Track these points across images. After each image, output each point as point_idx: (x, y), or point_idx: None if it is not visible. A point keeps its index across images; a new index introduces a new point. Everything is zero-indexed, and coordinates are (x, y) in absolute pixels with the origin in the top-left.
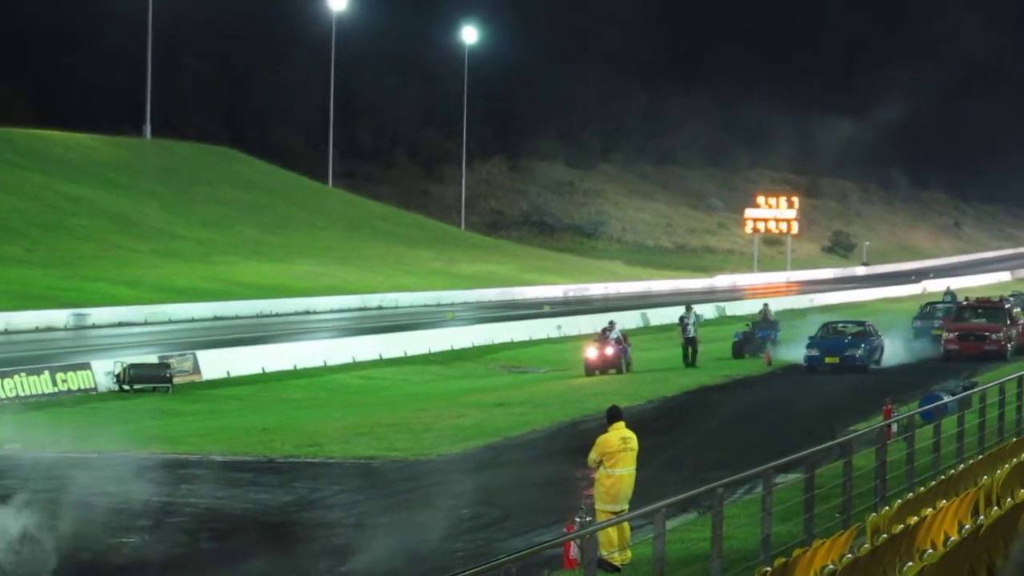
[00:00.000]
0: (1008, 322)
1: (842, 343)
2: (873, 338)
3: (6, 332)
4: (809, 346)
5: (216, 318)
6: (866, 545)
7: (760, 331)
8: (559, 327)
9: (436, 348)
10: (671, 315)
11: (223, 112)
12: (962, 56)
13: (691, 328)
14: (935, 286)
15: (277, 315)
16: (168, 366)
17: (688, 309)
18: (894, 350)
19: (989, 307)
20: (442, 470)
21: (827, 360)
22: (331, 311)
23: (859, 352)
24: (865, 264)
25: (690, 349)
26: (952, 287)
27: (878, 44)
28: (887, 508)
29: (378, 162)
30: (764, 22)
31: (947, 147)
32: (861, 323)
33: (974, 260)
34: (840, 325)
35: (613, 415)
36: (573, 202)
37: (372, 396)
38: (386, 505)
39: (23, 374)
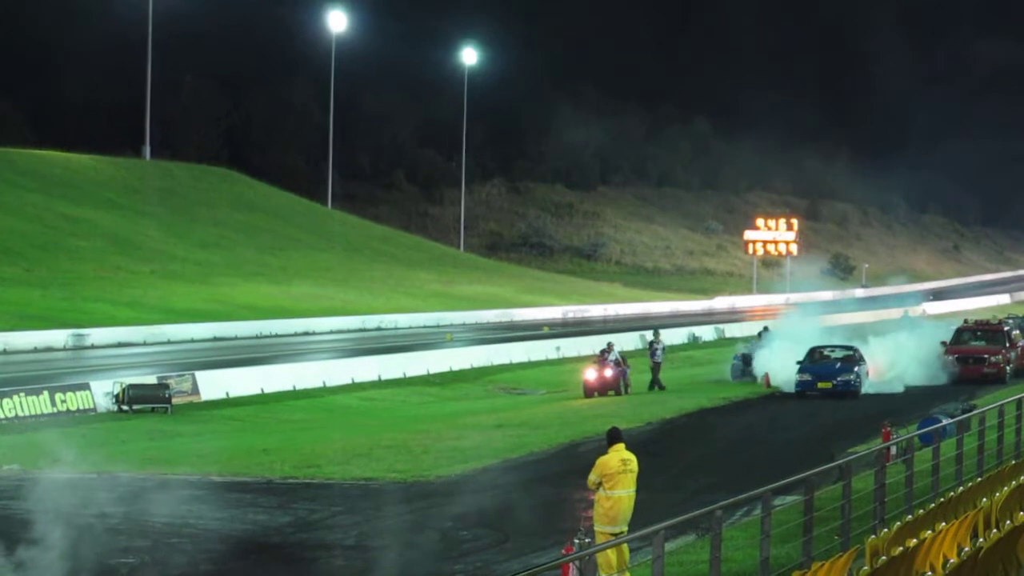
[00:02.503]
0: (1007, 345)
1: (834, 368)
2: (862, 363)
3: (5, 352)
4: (801, 371)
5: (215, 339)
6: (865, 568)
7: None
8: (558, 349)
9: (435, 369)
10: (671, 337)
11: (223, 133)
12: (962, 81)
13: (659, 353)
14: (934, 309)
15: (276, 336)
16: (167, 387)
17: (656, 334)
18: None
19: (988, 330)
20: (440, 492)
21: (820, 385)
22: (330, 332)
23: (852, 377)
24: (864, 287)
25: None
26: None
27: (878, 68)
28: (886, 530)
29: (377, 183)
30: (764, 45)
31: (946, 171)
32: (849, 347)
33: (973, 283)
34: (827, 350)
35: (613, 437)
36: (572, 224)
37: (371, 417)
38: (384, 527)
39: (22, 394)
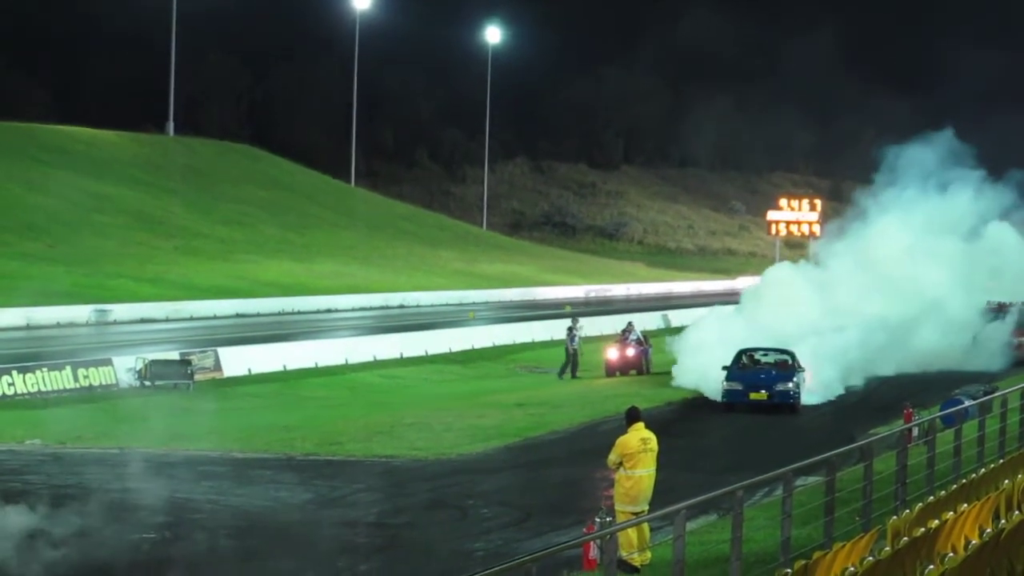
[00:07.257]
0: None
1: (770, 376)
2: (800, 371)
3: (28, 327)
4: (729, 378)
5: (238, 316)
6: (886, 549)
7: None
8: (580, 328)
9: (457, 348)
10: (693, 317)
11: (246, 110)
12: (990, 58)
13: (577, 339)
14: None
15: (299, 313)
16: (189, 363)
17: (575, 320)
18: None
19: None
20: (462, 470)
21: (752, 397)
22: (353, 310)
23: (791, 387)
24: None
25: (571, 362)
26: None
27: (901, 49)
28: (907, 512)
29: (400, 162)
30: (786, 24)
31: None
32: (784, 351)
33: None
34: (759, 353)
35: (632, 416)
36: (595, 203)
37: (393, 395)
38: (405, 504)
39: (45, 369)
